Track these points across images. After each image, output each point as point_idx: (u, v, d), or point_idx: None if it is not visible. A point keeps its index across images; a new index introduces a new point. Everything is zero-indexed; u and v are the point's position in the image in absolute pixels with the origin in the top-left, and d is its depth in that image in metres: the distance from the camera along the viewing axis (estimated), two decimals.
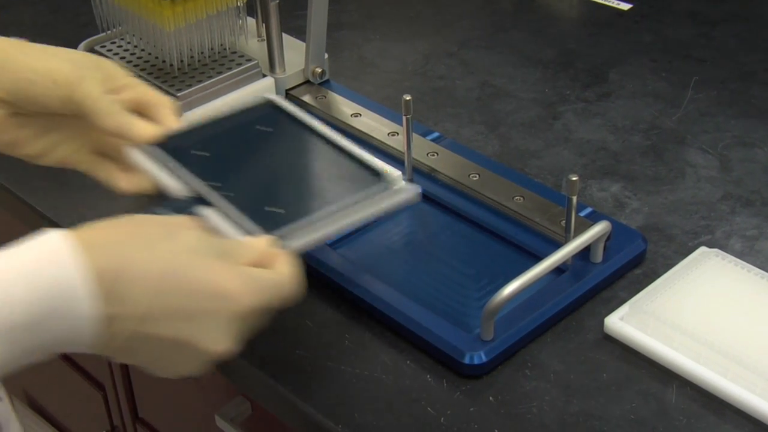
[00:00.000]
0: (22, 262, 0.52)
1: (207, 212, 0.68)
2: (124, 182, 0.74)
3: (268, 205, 0.69)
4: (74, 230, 0.55)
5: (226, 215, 0.68)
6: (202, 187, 0.70)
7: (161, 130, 0.72)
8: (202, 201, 0.69)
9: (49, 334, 0.53)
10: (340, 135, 0.78)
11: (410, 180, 0.89)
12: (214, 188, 0.70)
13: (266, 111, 0.80)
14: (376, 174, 0.73)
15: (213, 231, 0.63)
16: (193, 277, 0.57)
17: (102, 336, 0.54)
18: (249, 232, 0.66)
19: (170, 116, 0.73)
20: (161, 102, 0.73)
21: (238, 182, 0.72)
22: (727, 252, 0.81)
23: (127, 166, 0.74)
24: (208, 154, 0.74)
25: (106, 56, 1.00)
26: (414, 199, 0.72)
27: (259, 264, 0.61)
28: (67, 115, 0.72)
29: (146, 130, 0.71)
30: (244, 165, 0.75)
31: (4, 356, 0.51)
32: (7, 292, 0.51)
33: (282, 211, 0.69)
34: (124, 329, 0.55)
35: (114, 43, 1.02)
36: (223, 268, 0.58)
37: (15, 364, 0.53)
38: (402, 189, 0.72)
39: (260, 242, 0.63)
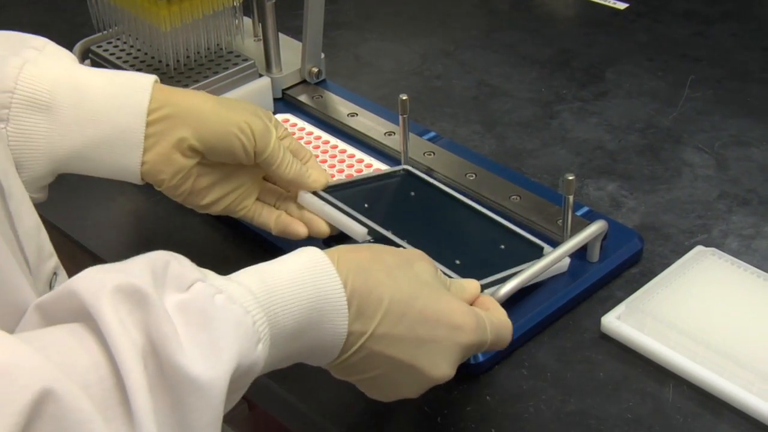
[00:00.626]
0: (297, 275, 0.57)
1: None
2: (302, 228, 0.80)
3: (450, 257, 0.75)
4: (328, 251, 0.60)
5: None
6: (383, 231, 0.78)
7: (328, 179, 0.80)
8: (386, 242, 0.76)
9: (307, 343, 0.58)
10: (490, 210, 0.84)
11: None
12: (395, 233, 0.77)
13: (404, 178, 0.87)
14: (535, 247, 0.79)
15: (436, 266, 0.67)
16: (431, 306, 0.61)
17: (343, 349, 0.60)
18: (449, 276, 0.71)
19: (319, 167, 0.82)
20: (310, 153, 0.82)
21: (408, 233, 0.78)
22: (723, 251, 0.81)
23: (292, 213, 0.81)
24: (367, 206, 0.82)
25: (103, 56, 1.00)
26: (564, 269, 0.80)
27: (476, 305, 0.67)
28: (243, 166, 0.77)
29: (319, 179, 0.80)
30: (405, 220, 0.82)
31: (271, 352, 0.55)
32: (283, 300, 0.56)
33: (467, 264, 0.75)
34: (362, 346, 0.60)
35: (110, 43, 1.02)
36: (456, 302, 0.63)
37: (269, 369, 0.57)
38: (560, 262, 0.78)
39: (474, 286, 0.69)
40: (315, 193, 0.81)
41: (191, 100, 0.74)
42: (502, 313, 0.67)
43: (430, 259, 0.66)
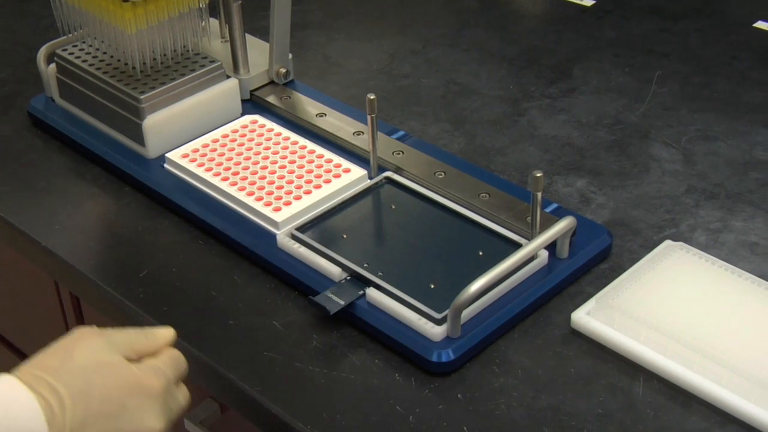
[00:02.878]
0: None
1: (372, 293, 0.77)
2: None
3: (422, 280, 0.78)
4: (21, 370, 0.63)
5: (391, 294, 0.76)
6: (358, 269, 0.79)
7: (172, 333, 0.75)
8: (361, 281, 0.78)
9: None
10: (463, 208, 0.85)
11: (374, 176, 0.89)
12: (368, 269, 0.79)
13: (386, 188, 0.88)
14: (513, 244, 0.80)
15: (105, 329, 0.69)
16: (111, 384, 0.64)
17: None
18: (416, 310, 0.75)
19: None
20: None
21: (384, 260, 0.80)
22: (691, 245, 0.82)
23: None
24: (346, 236, 0.83)
25: (69, 60, 0.99)
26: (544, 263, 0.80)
27: (147, 350, 0.69)
28: None
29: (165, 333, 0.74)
30: (384, 243, 0.83)
31: None
32: None
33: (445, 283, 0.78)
34: None
35: (76, 46, 1.01)
36: (129, 370, 0.66)
37: None
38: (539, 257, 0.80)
39: (166, 334, 0.71)
40: (292, 236, 0.82)
41: None
42: (166, 351, 0.70)
43: (96, 330, 0.67)
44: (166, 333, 0.71)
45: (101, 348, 0.66)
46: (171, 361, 0.69)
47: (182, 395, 0.69)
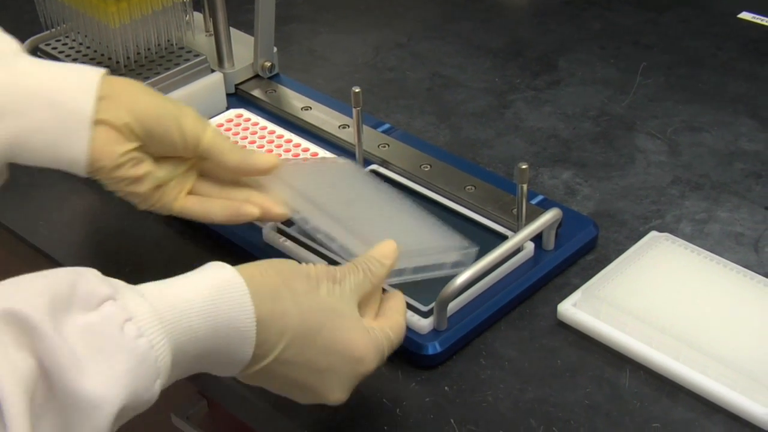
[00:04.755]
0: (208, 301, 0.57)
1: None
2: (253, 209, 0.75)
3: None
4: (239, 270, 0.60)
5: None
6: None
7: (276, 159, 0.76)
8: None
9: (207, 364, 0.59)
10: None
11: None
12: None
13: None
14: (499, 236, 0.80)
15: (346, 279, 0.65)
16: (334, 338, 0.62)
17: (245, 369, 0.60)
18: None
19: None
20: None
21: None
22: (677, 236, 0.82)
23: (236, 198, 0.76)
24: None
25: (52, 54, 0.99)
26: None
27: (384, 299, 0.68)
28: (181, 158, 0.75)
29: (266, 161, 0.75)
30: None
31: (168, 379, 0.56)
32: (191, 327, 0.56)
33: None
34: (265, 368, 0.60)
35: (59, 40, 1.00)
36: (358, 332, 0.63)
37: (170, 382, 0.57)
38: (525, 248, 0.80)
39: (388, 251, 0.68)
40: (278, 230, 0.81)
41: (130, 87, 0.73)
42: (400, 315, 0.67)
43: (340, 275, 0.65)
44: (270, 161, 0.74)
45: (346, 297, 0.64)
46: (396, 332, 0.66)
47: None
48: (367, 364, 0.63)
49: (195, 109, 0.75)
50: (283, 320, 0.60)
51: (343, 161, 0.86)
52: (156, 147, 0.73)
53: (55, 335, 0.50)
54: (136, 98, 0.72)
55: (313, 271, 0.64)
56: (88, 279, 0.54)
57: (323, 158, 0.90)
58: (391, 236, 0.69)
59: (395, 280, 0.71)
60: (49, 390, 0.49)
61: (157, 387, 0.54)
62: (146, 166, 0.73)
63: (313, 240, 0.78)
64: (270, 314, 0.59)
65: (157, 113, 0.72)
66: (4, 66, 0.71)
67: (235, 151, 0.74)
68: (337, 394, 0.63)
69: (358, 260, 0.67)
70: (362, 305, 0.66)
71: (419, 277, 0.72)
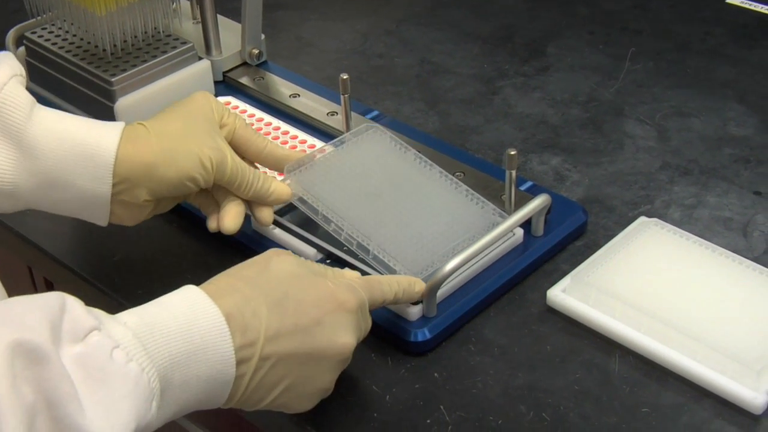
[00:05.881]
0: (182, 323, 0.59)
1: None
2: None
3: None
4: (202, 287, 0.62)
5: (367, 275, 0.73)
6: (334, 250, 0.78)
7: (290, 192, 0.79)
8: (337, 262, 0.78)
9: (199, 381, 0.59)
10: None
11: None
12: (344, 251, 0.78)
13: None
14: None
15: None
16: (306, 293, 0.64)
17: (241, 365, 0.60)
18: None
19: (280, 183, 0.79)
20: (266, 140, 0.81)
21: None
22: (666, 221, 0.82)
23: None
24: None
25: (38, 43, 0.98)
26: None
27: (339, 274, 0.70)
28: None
29: (281, 194, 0.78)
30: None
31: (159, 414, 0.56)
32: (174, 355, 0.57)
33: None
34: (261, 354, 0.61)
35: (45, 29, 1.00)
36: (326, 282, 0.65)
37: (162, 424, 0.58)
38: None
39: (353, 275, 0.70)
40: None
41: (146, 157, 0.73)
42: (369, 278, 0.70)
43: (288, 251, 0.68)
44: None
45: (297, 263, 0.66)
46: (365, 283, 0.68)
47: (369, 321, 0.68)
48: (349, 299, 0.65)
49: (210, 128, 0.77)
50: (249, 305, 0.62)
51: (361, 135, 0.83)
52: (179, 198, 0.78)
53: (60, 366, 0.50)
54: (151, 174, 0.73)
55: (260, 257, 0.66)
56: (73, 308, 0.54)
57: (334, 147, 0.85)
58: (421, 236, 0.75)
59: None
60: (52, 420, 0.49)
61: (153, 409, 0.55)
62: (163, 206, 0.78)
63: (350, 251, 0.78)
64: (235, 306, 0.61)
65: (175, 184, 0.74)
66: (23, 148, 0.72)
67: (251, 185, 0.77)
68: (342, 338, 0.64)
69: (391, 277, 0.71)
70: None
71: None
